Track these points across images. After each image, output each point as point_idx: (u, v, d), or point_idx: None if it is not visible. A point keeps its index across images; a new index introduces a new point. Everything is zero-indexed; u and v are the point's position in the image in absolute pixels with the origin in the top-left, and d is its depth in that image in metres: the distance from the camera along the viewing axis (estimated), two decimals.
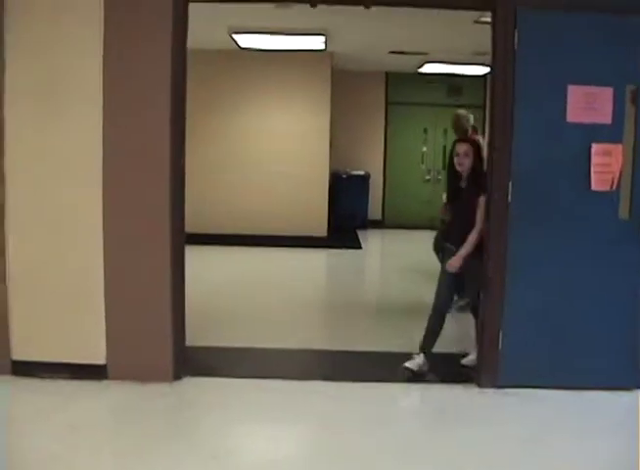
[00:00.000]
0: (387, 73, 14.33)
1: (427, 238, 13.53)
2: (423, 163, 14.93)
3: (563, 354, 5.33)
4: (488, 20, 8.08)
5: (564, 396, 5.25)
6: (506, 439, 4.59)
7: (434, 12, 8.16)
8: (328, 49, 10.78)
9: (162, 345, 5.31)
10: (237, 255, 11.06)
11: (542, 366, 5.33)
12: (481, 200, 5.38)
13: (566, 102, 5.12)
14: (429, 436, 4.67)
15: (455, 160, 5.58)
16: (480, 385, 5.40)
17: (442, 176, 14.88)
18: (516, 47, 5.08)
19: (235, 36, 9.58)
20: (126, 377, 5.23)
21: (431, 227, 14.12)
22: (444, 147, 14.85)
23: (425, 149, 14.93)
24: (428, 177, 14.92)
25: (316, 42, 9.95)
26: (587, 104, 5.13)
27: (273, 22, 8.89)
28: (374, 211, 14.48)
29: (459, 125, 8.23)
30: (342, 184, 13.85)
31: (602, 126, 5.15)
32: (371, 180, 14.27)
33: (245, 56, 11.27)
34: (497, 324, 5.33)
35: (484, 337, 5.40)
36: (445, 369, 5.81)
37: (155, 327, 5.31)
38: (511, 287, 5.28)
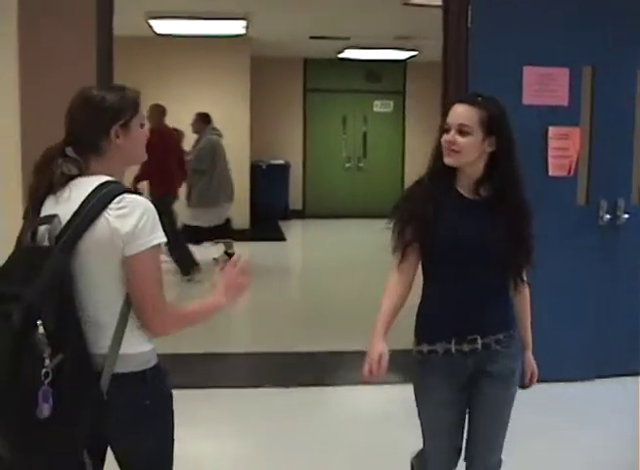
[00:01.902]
0: (305, 60, 13.93)
1: (349, 227, 13.45)
2: (343, 150, 14.63)
3: None
4: (419, 2, 7.94)
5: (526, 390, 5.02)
6: None
7: None
8: (248, 34, 10.34)
9: None
10: None
11: None
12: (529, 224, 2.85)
13: (521, 83, 4.87)
14: (394, 440, 4.35)
15: (443, 140, 2.63)
16: None
17: (363, 164, 14.66)
18: (469, 25, 4.79)
19: (151, 22, 9.05)
20: None
21: (351, 215, 14.03)
22: (364, 134, 14.63)
23: (344, 136, 14.63)
24: (348, 165, 14.65)
25: (236, 27, 9.51)
26: (543, 85, 4.89)
27: (192, 5, 8.41)
28: (294, 200, 14.11)
29: (155, 115, 8.08)
30: (262, 174, 13.44)
31: (558, 108, 4.92)
32: (291, 169, 13.92)
33: (162, 42, 10.69)
34: None
35: None
36: (407, 366, 5.51)
37: None
38: None
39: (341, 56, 12.80)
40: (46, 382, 1.91)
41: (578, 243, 5.06)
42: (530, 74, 4.87)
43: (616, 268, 5.17)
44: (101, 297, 2.11)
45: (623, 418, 4.33)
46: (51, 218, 2.07)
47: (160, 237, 2.11)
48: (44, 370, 1.90)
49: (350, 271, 9.39)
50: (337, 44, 11.61)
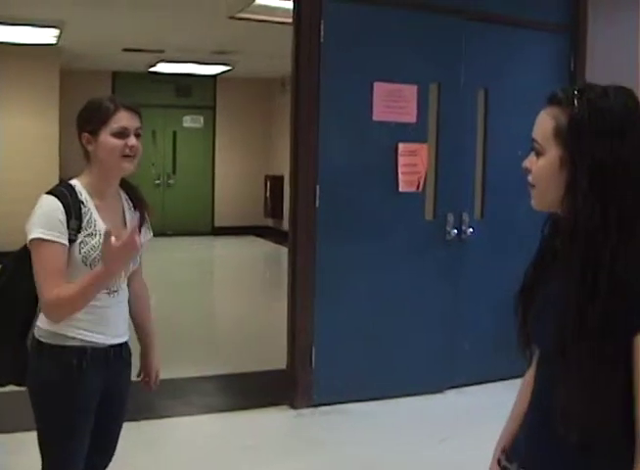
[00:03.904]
0: (113, 73, 13.37)
1: (159, 246, 12.92)
2: (152, 167, 14.14)
3: (377, 364, 5.07)
4: (245, 16, 7.81)
5: (381, 407, 5.00)
6: (333, 463, 4.21)
7: (182, 4, 7.66)
8: (59, 44, 9.74)
9: None
10: None
11: (358, 379, 5.02)
12: None
13: (372, 99, 4.86)
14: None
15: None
16: (294, 406, 4.98)
17: (173, 181, 14.32)
18: (322, 40, 4.71)
19: None
20: None
21: (161, 234, 13.49)
22: (174, 149, 14.29)
23: (154, 152, 14.16)
24: (158, 181, 14.23)
25: (47, 36, 8.94)
26: (393, 102, 4.91)
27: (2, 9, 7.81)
28: None
29: None
30: None
31: (407, 125, 4.97)
32: None
33: None
34: (309, 339, 4.95)
35: (296, 354, 4.99)
36: (254, 391, 5.34)
37: None
38: (320, 299, 4.93)
39: (152, 70, 12.42)
40: None
41: (427, 257, 5.13)
42: (381, 90, 4.87)
43: (463, 281, 5.27)
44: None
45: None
46: None
47: (35, 234, 2.29)
48: None
49: (166, 291, 9.05)
50: (150, 57, 11.25)
